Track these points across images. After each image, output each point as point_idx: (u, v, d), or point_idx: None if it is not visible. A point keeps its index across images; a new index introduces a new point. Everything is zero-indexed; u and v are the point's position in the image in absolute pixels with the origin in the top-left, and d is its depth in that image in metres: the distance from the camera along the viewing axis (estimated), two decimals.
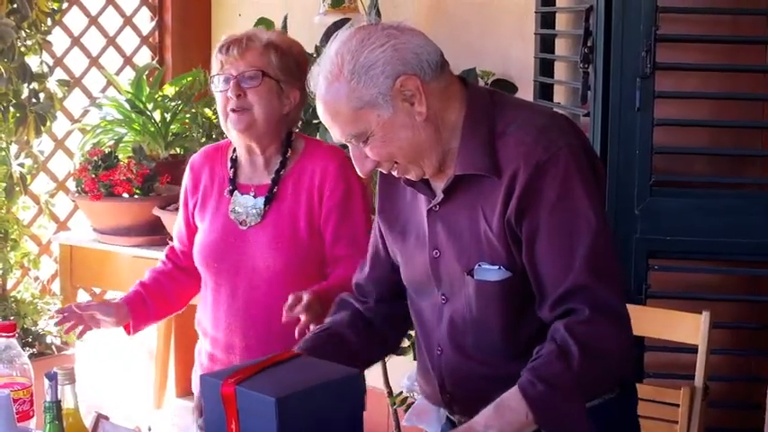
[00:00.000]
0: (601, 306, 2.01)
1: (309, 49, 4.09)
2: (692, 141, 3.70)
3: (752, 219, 3.47)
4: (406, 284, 2.31)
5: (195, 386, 3.01)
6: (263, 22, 4.32)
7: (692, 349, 3.15)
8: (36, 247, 4.84)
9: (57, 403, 2.07)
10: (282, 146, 2.86)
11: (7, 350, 2.39)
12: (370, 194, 4.12)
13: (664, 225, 3.49)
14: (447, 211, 2.15)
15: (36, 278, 4.75)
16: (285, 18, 4.39)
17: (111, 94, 4.97)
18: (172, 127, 4.76)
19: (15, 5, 4.30)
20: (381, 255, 2.37)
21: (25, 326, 4.44)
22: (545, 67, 4.03)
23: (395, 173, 2.14)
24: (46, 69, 4.50)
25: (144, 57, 5.33)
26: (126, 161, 4.51)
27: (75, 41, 5.06)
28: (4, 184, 4.41)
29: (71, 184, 4.73)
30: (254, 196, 2.85)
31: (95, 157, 4.47)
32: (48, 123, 4.47)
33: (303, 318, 2.47)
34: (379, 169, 2.13)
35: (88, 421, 2.34)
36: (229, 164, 2.91)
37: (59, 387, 2.10)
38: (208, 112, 4.58)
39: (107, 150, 4.55)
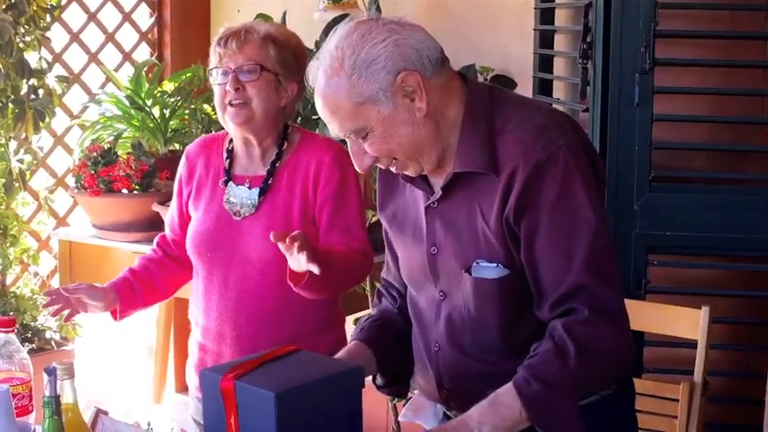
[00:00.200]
0: (600, 306, 2.00)
1: (309, 45, 4.09)
2: (691, 137, 3.70)
3: (751, 214, 3.47)
4: (404, 280, 2.31)
5: (189, 377, 3.02)
6: (262, 18, 4.32)
7: (692, 344, 3.15)
8: (35, 243, 4.84)
9: (56, 398, 2.07)
10: (279, 138, 2.87)
11: (6, 345, 2.39)
12: (370, 189, 4.13)
13: (663, 220, 3.50)
14: (445, 208, 2.14)
15: (35, 274, 4.76)
16: (284, 14, 4.39)
17: (111, 91, 4.97)
18: (171, 123, 4.76)
19: (13, 1, 4.30)
20: (394, 254, 2.37)
21: (24, 321, 4.45)
22: (544, 63, 4.03)
23: (393, 169, 2.13)
24: (45, 65, 4.51)
25: (143, 53, 5.33)
26: (125, 157, 4.51)
27: (74, 37, 5.06)
28: (4, 180, 4.42)
29: (70, 180, 4.74)
30: (249, 187, 2.86)
31: (94, 153, 4.47)
32: (47, 119, 4.48)
33: (297, 249, 2.41)
34: (378, 165, 2.13)
35: (87, 416, 2.34)
36: (225, 154, 2.92)
37: (58, 382, 2.10)
38: (207, 107, 4.58)
39: (106, 146, 4.55)
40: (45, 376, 2.08)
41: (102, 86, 5.11)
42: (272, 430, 1.95)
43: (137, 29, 5.29)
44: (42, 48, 4.51)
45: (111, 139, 4.70)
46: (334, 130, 2.08)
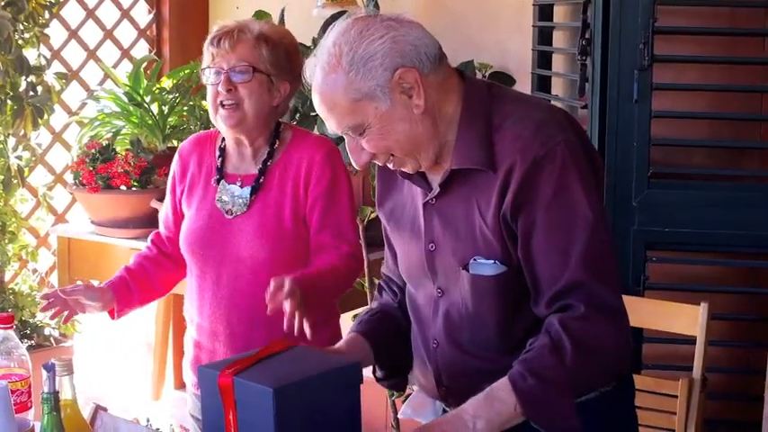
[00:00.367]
0: (597, 303, 1.99)
1: (307, 41, 4.10)
2: (690, 133, 3.70)
3: (750, 211, 3.47)
4: (403, 277, 2.31)
5: (186, 374, 3.02)
6: (261, 15, 4.32)
7: (691, 341, 3.15)
8: (34, 240, 4.85)
9: (54, 394, 2.07)
10: (271, 136, 2.87)
11: (5, 342, 2.39)
12: (369, 186, 4.13)
13: (662, 217, 3.50)
14: (443, 205, 2.14)
15: (34, 270, 4.76)
16: (282, 11, 4.39)
17: (109, 87, 4.97)
18: (169, 119, 4.76)
19: None
20: (393, 250, 2.37)
21: (23, 318, 4.45)
22: (543, 60, 4.03)
23: (390, 165, 2.12)
24: (43, 62, 4.51)
25: (141, 49, 5.33)
26: (123, 154, 4.51)
27: (73, 34, 5.06)
28: (2, 177, 4.41)
29: (69, 177, 4.73)
30: (241, 186, 2.86)
31: (93, 150, 4.47)
32: (45, 116, 4.48)
33: (288, 306, 2.44)
34: (375, 161, 2.12)
35: (86, 412, 2.34)
36: (217, 153, 2.92)
37: (57, 378, 2.10)
38: (205, 104, 4.55)
39: (105, 143, 4.55)
40: (44, 372, 2.08)
41: (101, 83, 5.10)
42: (270, 426, 1.95)
43: (135, 25, 5.29)
44: (41, 44, 4.51)
45: (110, 135, 4.70)
46: (331, 126, 2.08)
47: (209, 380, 2.07)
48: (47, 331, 4.53)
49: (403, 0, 4.40)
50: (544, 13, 4.01)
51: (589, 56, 3.54)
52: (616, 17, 3.45)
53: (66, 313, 2.77)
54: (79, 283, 3.04)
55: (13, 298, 4.47)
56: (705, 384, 3.14)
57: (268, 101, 2.81)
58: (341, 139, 2.12)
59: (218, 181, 2.88)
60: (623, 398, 2.23)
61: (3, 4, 4.27)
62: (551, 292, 2.02)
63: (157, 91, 4.83)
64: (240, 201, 2.84)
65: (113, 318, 2.89)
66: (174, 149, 4.67)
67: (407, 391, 3.61)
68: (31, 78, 4.42)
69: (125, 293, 2.88)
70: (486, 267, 2.08)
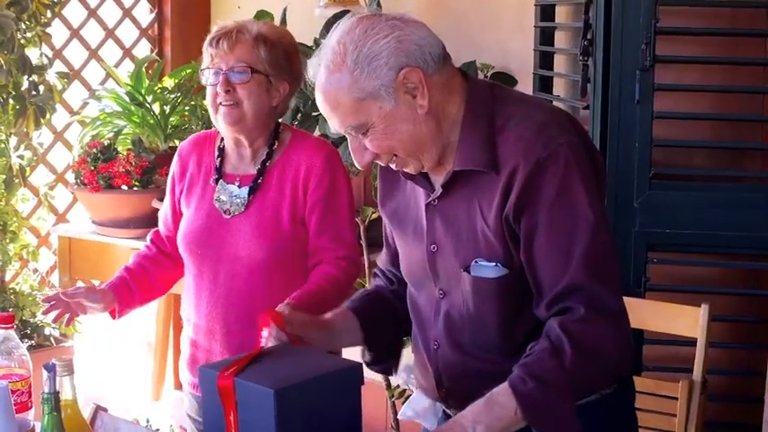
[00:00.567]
0: (597, 306, 1.99)
1: (309, 41, 4.10)
2: (691, 134, 3.70)
3: (751, 212, 3.47)
4: (404, 277, 2.30)
5: (183, 373, 3.02)
6: (263, 15, 4.32)
7: (691, 342, 3.15)
8: (35, 239, 4.84)
9: (55, 395, 2.07)
10: (270, 137, 2.88)
11: (6, 342, 2.39)
12: (371, 186, 4.12)
13: (663, 218, 3.49)
14: (445, 206, 2.13)
15: (35, 270, 4.76)
16: (284, 10, 4.38)
17: (111, 87, 4.97)
18: (171, 119, 4.76)
19: None
20: (392, 245, 2.37)
21: (24, 317, 4.44)
22: (545, 60, 4.02)
23: (393, 166, 2.12)
24: (45, 61, 4.50)
25: (143, 49, 5.33)
26: (125, 153, 4.52)
27: (75, 34, 5.06)
28: (4, 176, 4.41)
29: (70, 177, 4.73)
30: (239, 186, 2.87)
31: (94, 150, 4.48)
32: (47, 115, 4.47)
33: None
34: (378, 161, 2.12)
35: (86, 413, 2.34)
36: (216, 152, 2.93)
37: (58, 378, 2.10)
38: (206, 104, 4.56)
39: (106, 143, 4.55)
40: (44, 373, 2.08)
41: (103, 83, 5.10)
42: (271, 427, 1.95)
43: (137, 25, 5.29)
44: (43, 44, 4.51)
45: (111, 135, 4.70)
46: (334, 125, 2.07)
47: (209, 380, 2.07)
48: (47, 331, 4.53)
49: (405, 0, 4.40)
50: (546, 13, 4.00)
51: (591, 56, 3.54)
52: (618, 17, 3.45)
53: (67, 316, 2.79)
54: (81, 284, 3.05)
55: (13, 298, 4.47)
56: (705, 386, 3.13)
57: (267, 101, 2.82)
58: (341, 140, 2.12)
59: (216, 180, 2.89)
60: (624, 400, 2.23)
61: (6, 3, 4.27)
62: (551, 293, 2.02)
63: (159, 90, 4.83)
64: (238, 201, 2.85)
65: (114, 318, 2.91)
66: (175, 149, 4.68)
67: (407, 393, 3.61)
68: (34, 78, 4.42)
69: (126, 294, 2.90)
70: (488, 270, 2.08)
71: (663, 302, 3.25)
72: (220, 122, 2.83)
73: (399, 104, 2.02)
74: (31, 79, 4.41)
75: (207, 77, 2.82)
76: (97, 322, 2.93)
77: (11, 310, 4.33)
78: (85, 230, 4.61)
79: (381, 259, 2.45)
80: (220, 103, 2.80)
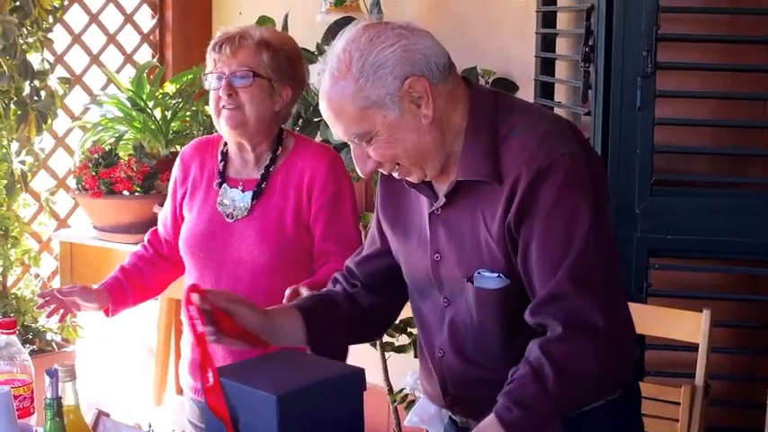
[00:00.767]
0: (575, 319, 1.97)
1: (310, 47, 4.10)
2: (693, 141, 3.70)
3: (753, 218, 3.47)
4: (408, 284, 2.30)
5: (183, 377, 3.03)
6: (264, 20, 4.32)
7: (693, 348, 3.15)
8: (36, 245, 4.84)
9: (57, 400, 2.07)
10: (273, 143, 2.89)
11: (8, 347, 2.39)
12: (371, 192, 4.13)
13: (664, 224, 3.49)
14: (449, 215, 2.13)
15: (36, 275, 4.76)
16: (286, 16, 4.39)
17: (112, 92, 4.97)
18: (172, 125, 4.76)
19: (18, 3, 4.30)
20: (377, 248, 2.36)
21: (26, 323, 4.45)
22: (546, 66, 4.03)
23: (396, 174, 2.12)
24: (47, 67, 4.51)
25: (144, 54, 5.33)
26: (126, 159, 4.51)
27: (76, 39, 5.06)
28: (5, 182, 4.42)
29: (71, 182, 4.73)
30: (243, 190, 2.88)
31: (96, 155, 4.47)
32: (49, 121, 4.48)
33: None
34: (380, 170, 2.12)
35: (89, 418, 2.34)
36: (219, 157, 2.94)
37: (60, 384, 2.10)
38: (208, 109, 4.54)
39: (108, 148, 4.55)
40: (47, 378, 2.08)
41: (104, 88, 5.11)
42: None
43: (138, 30, 5.29)
44: (45, 49, 4.52)
45: (113, 140, 4.70)
46: (337, 133, 2.07)
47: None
48: (49, 336, 4.54)
49: (406, 5, 4.40)
50: (548, 19, 4.01)
51: (592, 63, 3.54)
52: (619, 24, 3.45)
53: (62, 311, 2.83)
54: (78, 283, 3.08)
55: (15, 303, 4.47)
56: (707, 392, 3.13)
57: (269, 106, 2.83)
58: (343, 146, 2.12)
59: (219, 185, 2.90)
60: (629, 406, 2.22)
61: (9, 8, 4.28)
62: (535, 301, 2.02)
63: (160, 96, 4.83)
64: (241, 205, 2.86)
65: (108, 316, 2.95)
66: (177, 155, 4.68)
67: (410, 397, 3.61)
68: (35, 83, 4.43)
69: (120, 294, 2.95)
70: (491, 281, 2.08)
71: (664, 308, 3.25)
72: (223, 126, 2.84)
73: (404, 114, 2.02)
74: (32, 84, 4.41)
75: (210, 82, 2.84)
76: (99, 327, 2.94)
77: (12, 315, 4.33)
78: (87, 236, 4.61)
79: (352, 259, 2.42)
80: (223, 107, 2.82)
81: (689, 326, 3.14)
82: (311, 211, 2.84)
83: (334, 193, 2.84)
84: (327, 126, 2.10)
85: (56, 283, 4.80)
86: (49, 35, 4.57)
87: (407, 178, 2.12)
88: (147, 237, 3.10)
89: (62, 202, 4.98)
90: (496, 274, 2.07)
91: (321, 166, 2.84)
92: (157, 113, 4.76)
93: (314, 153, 2.89)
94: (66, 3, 4.84)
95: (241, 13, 5.10)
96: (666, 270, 3.62)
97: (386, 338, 3.97)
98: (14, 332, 2.42)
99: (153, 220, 4.31)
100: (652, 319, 3.18)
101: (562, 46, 4.05)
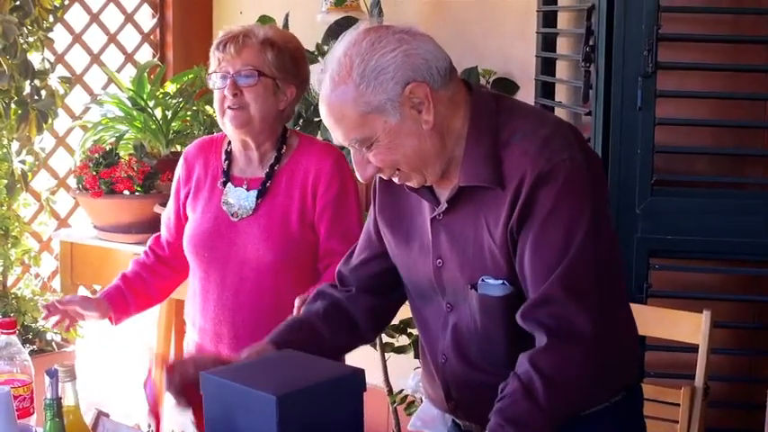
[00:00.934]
0: (562, 326, 1.97)
1: (311, 47, 4.09)
2: (693, 141, 3.70)
3: (753, 218, 3.47)
4: (408, 288, 2.29)
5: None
6: (265, 20, 4.32)
7: (693, 349, 3.15)
8: (37, 244, 4.84)
9: (57, 400, 2.07)
10: (278, 141, 2.89)
11: (8, 347, 2.39)
12: (370, 192, 4.12)
13: (665, 224, 3.49)
14: (451, 221, 2.12)
15: (36, 275, 4.76)
16: (286, 16, 4.39)
17: (113, 92, 4.97)
18: (173, 124, 4.76)
19: (18, 2, 4.30)
20: (372, 250, 2.35)
21: (26, 323, 4.44)
22: (547, 66, 4.02)
23: (396, 179, 2.11)
24: (47, 66, 4.50)
25: (145, 54, 5.33)
26: (127, 158, 4.51)
27: (77, 38, 5.06)
28: (6, 181, 4.41)
29: (72, 182, 4.73)
30: (247, 189, 2.88)
31: (96, 155, 4.47)
32: (49, 120, 4.47)
33: None
34: (380, 175, 2.11)
35: (89, 418, 2.34)
36: (224, 156, 2.94)
37: (60, 384, 2.10)
38: (209, 109, 4.58)
39: (108, 148, 4.54)
40: (46, 378, 2.08)
41: (105, 87, 5.11)
42: None
43: (139, 30, 5.29)
44: (45, 49, 4.51)
45: (113, 140, 4.69)
46: (337, 138, 2.06)
47: (211, 386, 2.07)
48: (49, 336, 4.53)
49: (407, 5, 4.39)
50: (548, 19, 4.00)
51: (593, 63, 3.54)
52: (620, 24, 3.45)
53: (67, 322, 2.84)
54: (82, 289, 3.09)
55: (15, 303, 4.47)
56: (707, 393, 3.13)
57: (274, 104, 2.83)
58: (345, 148, 2.11)
59: (224, 183, 2.90)
60: (632, 408, 2.22)
61: (9, 8, 4.27)
62: (525, 305, 2.01)
63: (161, 96, 4.83)
64: (246, 204, 2.86)
65: (113, 323, 2.95)
66: (177, 154, 4.68)
67: (409, 399, 3.61)
68: (36, 82, 4.42)
69: (121, 303, 2.95)
70: (494, 288, 2.07)
71: (664, 309, 3.24)
72: (227, 126, 2.83)
73: (404, 119, 2.01)
74: (33, 84, 4.41)
75: (214, 81, 2.83)
76: (99, 328, 2.95)
77: (12, 315, 4.33)
78: (87, 235, 4.60)
79: (344, 265, 2.41)
80: (228, 107, 2.81)
81: (689, 327, 3.14)
82: (316, 210, 2.84)
83: (338, 192, 2.84)
84: (328, 129, 2.10)
85: (56, 283, 4.80)
86: (50, 34, 4.56)
87: (408, 183, 2.12)
88: (148, 243, 3.09)
89: (62, 201, 4.98)
90: (500, 282, 2.06)
91: (326, 165, 2.84)
92: (158, 113, 4.75)
93: (319, 152, 2.89)
94: (66, 2, 4.84)
95: (242, 13, 5.10)
96: (666, 270, 3.61)
97: (386, 339, 3.97)
98: (14, 332, 2.42)
99: (153, 220, 4.32)
100: (652, 320, 3.17)
101: (563, 46, 4.04)
